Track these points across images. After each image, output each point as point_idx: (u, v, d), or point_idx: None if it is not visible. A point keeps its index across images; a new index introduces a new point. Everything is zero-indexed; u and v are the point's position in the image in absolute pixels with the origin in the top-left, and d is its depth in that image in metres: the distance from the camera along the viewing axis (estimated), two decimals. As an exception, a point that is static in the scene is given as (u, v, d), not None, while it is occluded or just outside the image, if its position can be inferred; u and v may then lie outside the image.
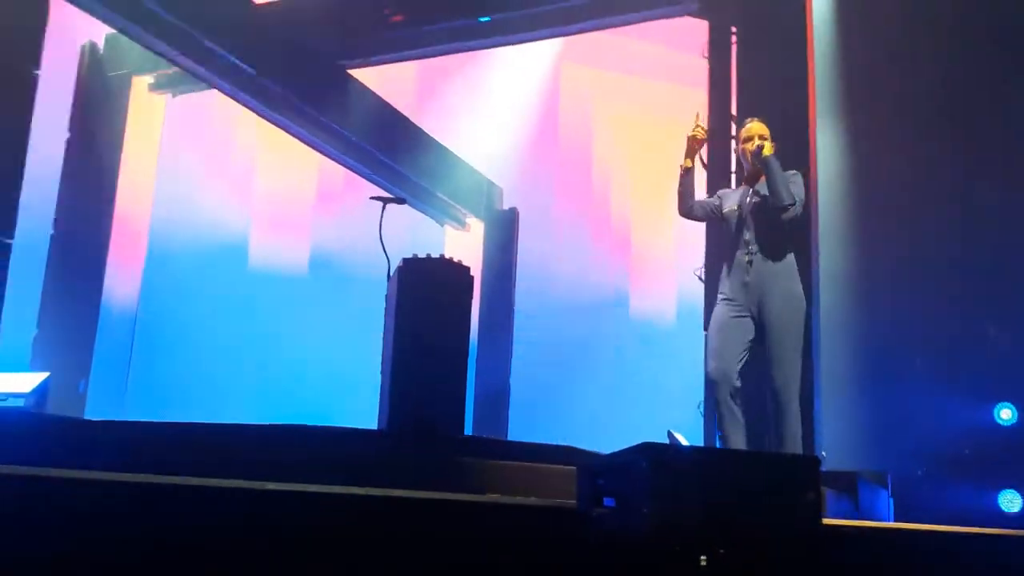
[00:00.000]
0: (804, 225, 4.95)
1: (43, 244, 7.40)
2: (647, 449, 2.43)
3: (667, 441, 5.37)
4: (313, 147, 8.82)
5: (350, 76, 8.50)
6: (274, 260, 10.41)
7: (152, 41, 6.91)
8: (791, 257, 4.45)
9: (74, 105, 7.73)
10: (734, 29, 6.74)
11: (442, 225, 10.23)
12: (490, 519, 2.89)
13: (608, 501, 2.70)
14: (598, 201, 11.68)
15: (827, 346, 6.11)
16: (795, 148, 6.11)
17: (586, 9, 7.33)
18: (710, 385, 4.47)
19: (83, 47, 7.90)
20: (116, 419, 6.64)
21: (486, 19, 7.62)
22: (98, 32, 7.84)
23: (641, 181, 11.53)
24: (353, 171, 9.19)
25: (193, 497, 2.64)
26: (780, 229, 4.43)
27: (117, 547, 2.44)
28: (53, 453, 3.73)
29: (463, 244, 9.71)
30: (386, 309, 5.93)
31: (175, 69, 7.77)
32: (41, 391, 5.88)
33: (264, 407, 9.24)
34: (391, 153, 8.98)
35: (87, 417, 6.99)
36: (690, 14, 7.03)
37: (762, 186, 4.47)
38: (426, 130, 9.45)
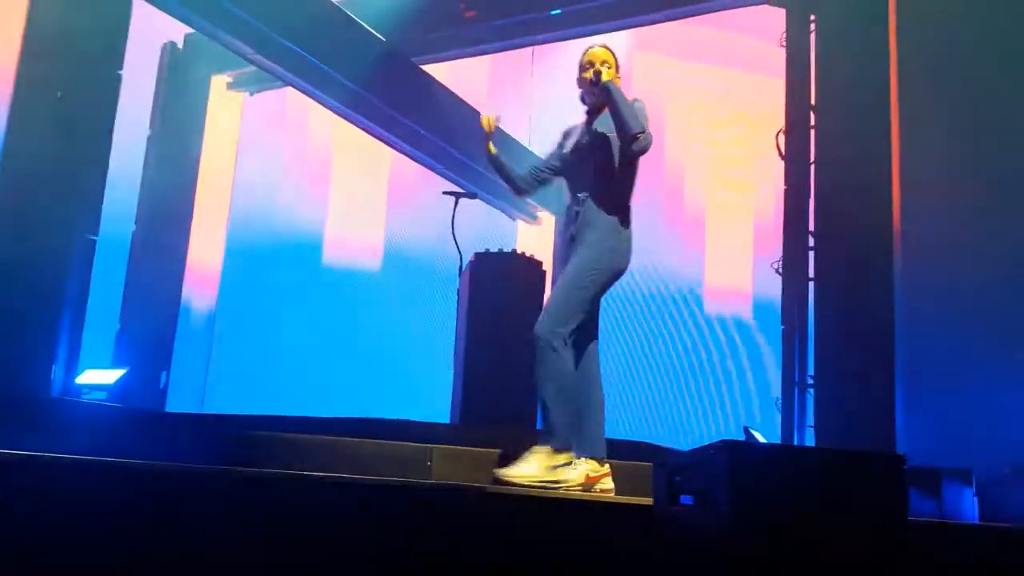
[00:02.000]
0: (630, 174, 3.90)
1: (125, 241, 7.60)
2: (726, 446, 2.36)
3: (744, 438, 5.27)
4: (386, 143, 8.88)
5: (423, 71, 8.53)
6: (348, 255, 10.54)
7: (230, 40, 7.04)
8: (622, 213, 3.78)
9: (155, 104, 7.91)
10: (813, 17, 6.56)
11: (514, 219, 10.22)
12: (564, 515, 2.86)
13: (685, 499, 2.63)
14: (671, 193, 11.52)
15: (907, 336, 5.89)
16: (876, 138, 5.94)
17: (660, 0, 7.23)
18: (540, 351, 3.71)
19: (164, 47, 8.09)
20: (195, 411, 6.80)
21: (557, 12, 7.57)
22: (178, 32, 8.02)
23: (716, 171, 11.35)
24: (425, 166, 9.24)
25: (271, 487, 2.66)
26: (611, 176, 3.77)
27: (197, 535, 2.48)
28: (135, 444, 3.83)
29: (535, 238, 9.68)
30: (458, 303, 5.95)
31: (252, 67, 7.90)
32: (123, 385, 6.06)
33: (338, 399, 9.36)
34: (462, 147, 8.99)
35: (168, 410, 7.18)
36: (768, 2, 6.87)
37: (600, 122, 3.82)
38: (500, 124, 9.41)
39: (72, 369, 5.70)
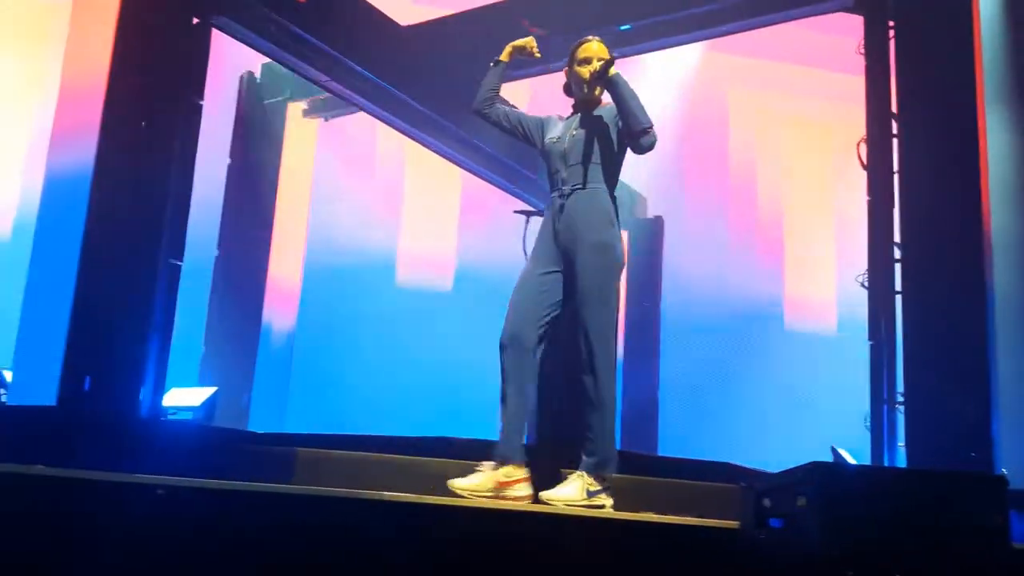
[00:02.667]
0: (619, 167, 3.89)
1: (208, 265, 7.80)
2: (816, 468, 2.29)
3: (831, 458, 5.13)
4: (457, 163, 8.95)
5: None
6: (420, 275, 10.63)
7: (305, 68, 7.20)
8: (610, 204, 3.74)
9: (234, 132, 8.12)
10: (891, 24, 6.40)
11: (586, 237, 10.18)
12: (645, 539, 2.81)
13: (774, 522, 2.57)
14: (745, 206, 11.33)
15: (1007, 351, 5.64)
16: (962, 146, 5.76)
17: (732, 10, 7.13)
18: (500, 350, 3.72)
19: (242, 77, 8.32)
20: (278, 431, 6.92)
21: (626, 27, 7.53)
22: (255, 62, 8.23)
23: (793, 179, 11.12)
24: (496, 185, 9.27)
25: (349, 508, 2.67)
26: (602, 171, 3.74)
27: (280, 557, 2.50)
28: (220, 463, 3.90)
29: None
30: (533, 322, 5.93)
31: (326, 94, 8.06)
32: (210, 405, 6.20)
33: (413, 419, 9.42)
34: (533, 166, 9.00)
35: (251, 429, 7.31)
36: (845, 10, 6.73)
37: (594, 116, 3.80)
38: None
39: (159, 390, 5.86)
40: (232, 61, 7.94)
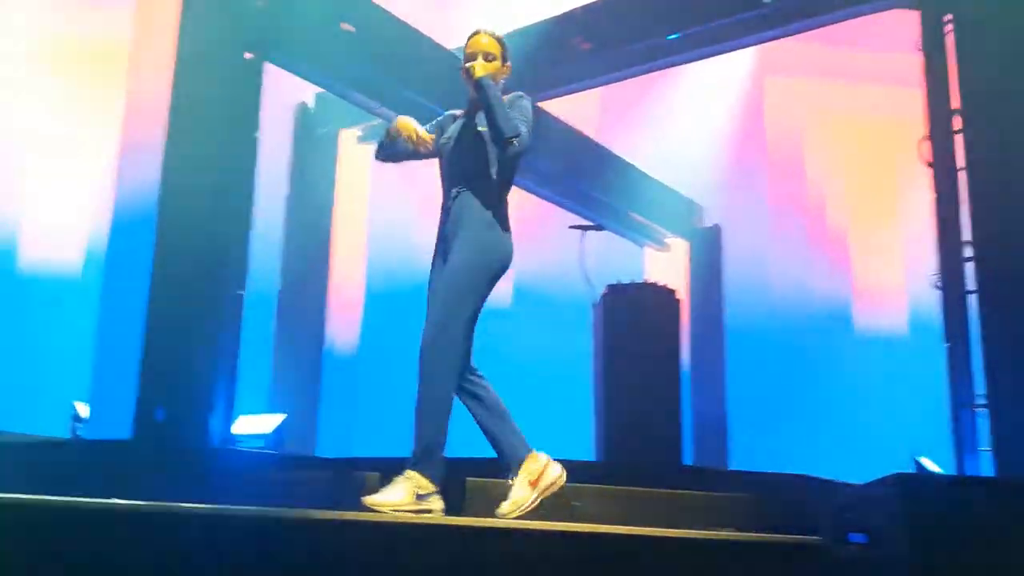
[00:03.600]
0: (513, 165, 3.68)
1: (272, 295, 7.91)
2: (902, 480, 2.21)
3: (914, 469, 4.99)
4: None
5: (538, 107, 8.58)
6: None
7: (357, 96, 7.29)
8: (496, 209, 3.57)
9: (291, 162, 8.25)
10: (948, 17, 6.25)
11: (641, 247, 10.12)
12: (720, 556, 2.75)
13: (856, 537, 2.49)
14: (811, 210, 11.17)
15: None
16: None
17: (785, 13, 7.03)
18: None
19: (296, 108, 8.45)
20: (346, 456, 6.97)
21: (675, 36, 7.47)
22: (308, 93, 8.35)
23: (859, 185, 10.95)
24: (549, 201, 9.27)
25: (417, 535, 2.66)
26: (488, 172, 3.56)
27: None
28: (292, 490, 3.93)
29: (665, 265, 9.55)
30: (593, 337, 5.90)
31: (379, 120, 8.14)
32: (279, 431, 6.28)
33: (473, 438, 9.40)
34: (585, 180, 8.99)
35: (318, 454, 7.38)
36: (900, 6, 6.59)
37: (479, 117, 3.59)
38: (620, 153, 9.40)
39: (228, 419, 5.95)
40: (287, 91, 8.07)
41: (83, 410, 5.41)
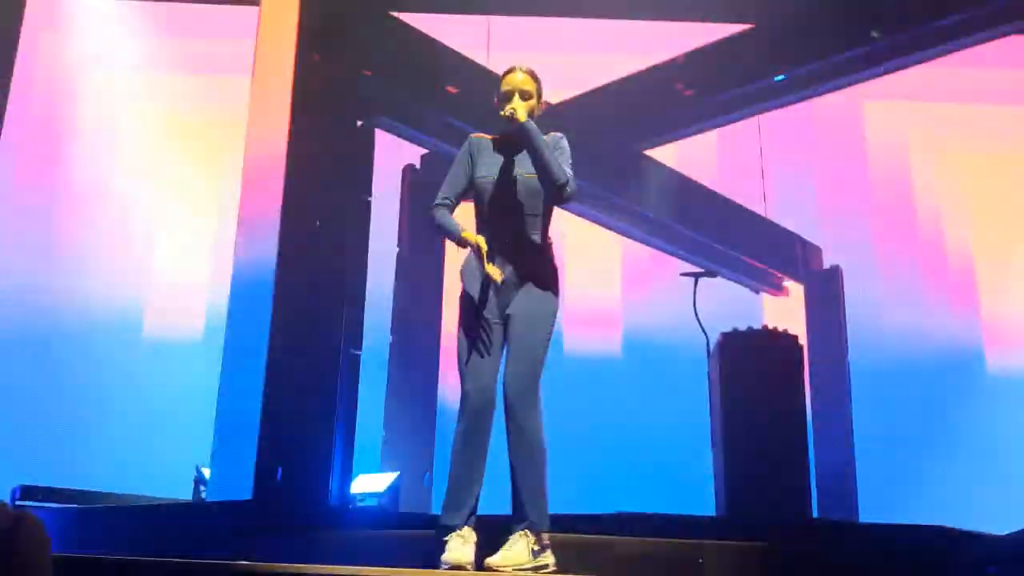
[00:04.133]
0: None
1: (383, 351, 8.03)
2: (1053, 534, 2.04)
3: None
4: (617, 231, 8.92)
5: (646, 155, 8.56)
6: (587, 346, 10.57)
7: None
8: (551, 254, 3.49)
9: (400, 221, 8.42)
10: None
11: (758, 292, 9.87)
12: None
13: (1005, 595, 2.31)
14: (930, 246, 10.72)
15: None
16: None
17: (892, 48, 6.81)
18: (472, 411, 3.35)
19: (404, 169, 8.66)
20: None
21: (782, 77, 7.34)
22: (415, 154, 8.56)
23: (981, 216, 10.45)
24: (659, 249, 9.17)
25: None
26: (540, 215, 3.45)
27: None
28: (409, 550, 3.92)
29: (783, 310, 9.28)
30: (710, 387, 5.74)
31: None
32: (393, 489, 6.32)
33: (590, 494, 9.27)
34: (695, 226, 8.87)
35: (435, 511, 7.38)
36: (1020, 32, 6.32)
37: (524, 157, 3.46)
38: (727, 195, 9.26)
39: (347, 477, 6.02)
40: (397, 154, 8.29)
41: (207, 473, 5.57)
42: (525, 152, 3.46)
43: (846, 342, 9.17)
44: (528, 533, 3.26)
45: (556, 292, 3.48)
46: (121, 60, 9.32)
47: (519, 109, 3.38)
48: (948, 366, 9.99)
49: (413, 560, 3.36)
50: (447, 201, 3.52)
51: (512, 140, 3.49)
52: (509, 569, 3.16)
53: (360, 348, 6.10)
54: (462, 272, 3.52)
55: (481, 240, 3.37)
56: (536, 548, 3.25)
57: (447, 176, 3.58)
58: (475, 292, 3.43)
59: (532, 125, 3.39)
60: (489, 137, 3.60)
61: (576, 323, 10.62)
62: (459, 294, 3.49)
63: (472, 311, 3.42)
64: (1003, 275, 10.33)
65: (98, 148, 10.06)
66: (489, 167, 3.49)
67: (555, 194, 3.42)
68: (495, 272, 3.33)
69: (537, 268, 3.44)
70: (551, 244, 3.52)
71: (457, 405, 3.44)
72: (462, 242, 3.42)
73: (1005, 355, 10.18)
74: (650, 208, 8.40)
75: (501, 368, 3.40)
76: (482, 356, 3.36)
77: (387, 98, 6.68)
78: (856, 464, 8.67)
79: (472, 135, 3.62)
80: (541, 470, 3.38)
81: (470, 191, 3.53)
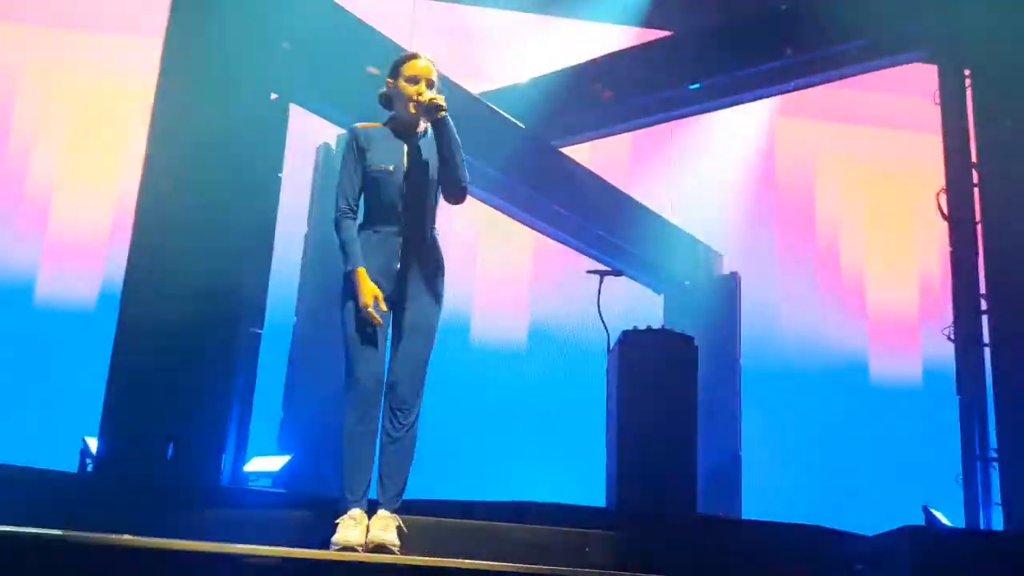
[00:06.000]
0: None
1: (286, 333, 7.93)
2: (913, 533, 2.19)
3: (923, 519, 4.91)
4: (529, 225, 9.00)
5: (562, 154, 8.66)
6: (494, 335, 10.65)
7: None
8: (438, 244, 3.52)
9: (311, 201, 8.31)
10: (967, 72, 6.29)
11: (660, 294, 10.10)
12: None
13: (867, 590, 2.45)
14: (826, 259, 11.17)
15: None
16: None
17: (805, 65, 7.09)
18: (360, 396, 3.35)
19: (318, 148, 8.54)
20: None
21: (696, 86, 7.54)
22: (331, 134, 8.45)
23: (875, 235, 10.95)
24: (568, 245, 9.29)
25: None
26: (433, 208, 3.49)
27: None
28: (301, 531, 3.91)
29: (682, 313, 9.52)
30: (608, 382, 5.86)
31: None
32: (288, 471, 6.26)
33: (486, 482, 9.35)
34: (605, 225, 9.01)
35: (328, 495, 7.33)
36: (919, 60, 6.65)
37: (426, 145, 3.47)
38: (638, 198, 9.45)
39: (240, 457, 5.93)
40: (311, 132, 8.18)
41: (93, 445, 5.41)
42: (420, 142, 3.45)
43: (739, 345, 9.47)
44: (397, 517, 3.34)
45: (443, 284, 3.52)
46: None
47: (442, 100, 3.37)
48: (834, 372, 10.43)
49: (304, 541, 3.35)
50: (350, 214, 3.45)
51: (410, 129, 3.46)
52: (396, 549, 3.20)
53: (261, 327, 6.01)
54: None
55: (378, 293, 3.36)
56: (400, 531, 3.32)
57: (340, 181, 3.49)
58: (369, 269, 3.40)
59: (451, 122, 3.40)
60: (378, 125, 3.53)
61: (484, 314, 10.69)
62: (345, 286, 3.46)
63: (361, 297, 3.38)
64: (889, 296, 10.85)
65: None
66: (383, 155, 3.43)
67: (455, 193, 3.46)
68: (375, 317, 3.34)
69: (428, 259, 3.47)
70: (438, 237, 3.54)
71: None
72: (354, 278, 3.38)
73: (885, 367, 10.69)
74: (560, 204, 8.50)
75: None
76: (373, 343, 3.37)
77: (304, 73, 6.56)
78: (742, 463, 8.98)
79: (356, 125, 3.52)
80: (407, 465, 3.45)
81: (360, 176, 3.45)
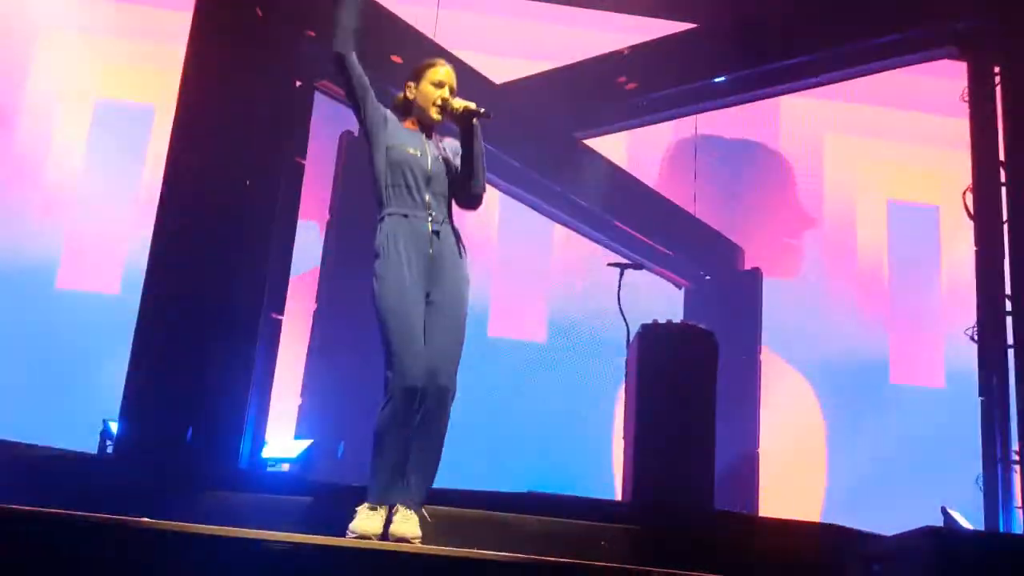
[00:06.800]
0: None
1: (306, 319, 7.95)
2: (931, 534, 2.17)
3: (942, 520, 4.87)
4: (550, 217, 8.98)
5: (584, 145, 8.63)
6: (513, 328, 10.65)
7: (401, 126, 7.37)
8: (463, 243, 3.50)
9: (333, 189, 8.33)
10: (997, 70, 6.21)
11: (680, 288, 10.06)
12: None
13: (885, 591, 2.43)
14: (847, 255, 11.09)
15: None
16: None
17: (833, 60, 7.01)
18: (405, 393, 3.22)
19: (341, 136, 8.56)
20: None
21: (721, 79, 7.49)
22: (354, 122, 8.46)
23: (899, 236, 10.87)
24: (589, 238, 9.27)
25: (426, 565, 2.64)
26: (450, 201, 3.48)
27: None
28: (316, 517, 3.93)
29: (703, 307, 9.48)
30: (626, 376, 5.85)
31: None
32: (306, 457, 6.28)
33: (503, 474, 9.37)
34: (627, 218, 8.99)
35: (345, 482, 7.36)
36: (949, 57, 6.56)
37: (448, 146, 3.51)
38: (661, 191, 9.43)
39: (259, 442, 5.97)
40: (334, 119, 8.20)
41: (114, 427, 5.46)
42: (435, 140, 3.47)
43: (760, 343, 9.42)
44: (422, 511, 3.30)
45: (469, 270, 3.49)
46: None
47: (474, 106, 3.38)
48: (855, 370, 10.36)
49: (319, 527, 3.36)
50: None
51: (425, 126, 3.48)
52: (417, 542, 3.19)
53: (282, 313, 6.03)
54: (384, 242, 3.38)
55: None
56: (423, 521, 3.28)
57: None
58: (404, 266, 3.32)
59: (479, 131, 3.41)
60: (407, 123, 3.54)
61: (504, 306, 10.69)
62: (378, 268, 3.39)
63: (401, 288, 3.30)
64: (913, 287, 10.75)
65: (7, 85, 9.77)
66: (406, 140, 3.44)
67: (470, 199, 3.48)
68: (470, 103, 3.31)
69: (457, 245, 3.45)
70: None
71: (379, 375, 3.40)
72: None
73: (907, 367, 10.60)
74: (582, 197, 8.48)
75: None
76: (415, 336, 3.27)
77: (326, 61, 6.56)
78: (759, 461, 8.94)
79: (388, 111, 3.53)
80: (438, 459, 3.38)
81: (361, 115, 3.44)
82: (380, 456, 3.26)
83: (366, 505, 3.25)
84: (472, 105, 3.40)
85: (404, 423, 3.25)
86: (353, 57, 3.42)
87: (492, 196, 9.59)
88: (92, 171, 9.86)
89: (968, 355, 5.89)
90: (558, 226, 9.44)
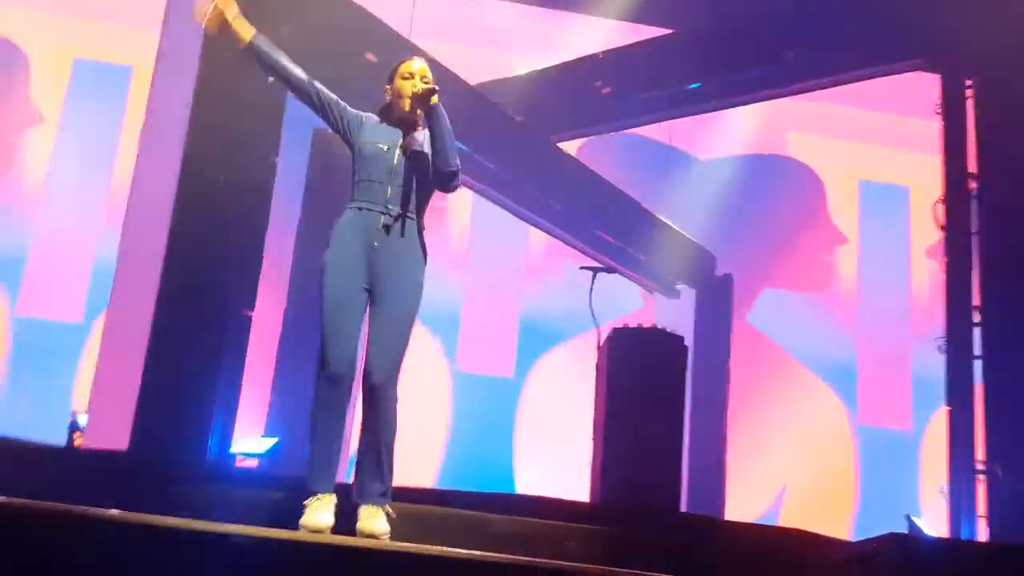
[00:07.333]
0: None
1: (277, 316, 7.91)
2: (894, 540, 2.19)
3: (907, 528, 4.93)
4: (523, 219, 8.99)
5: (559, 148, 8.64)
6: (484, 329, 10.66)
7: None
8: (423, 233, 3.48)
9: (306, 186, 8.28)
10: (969, 82, 6.29)
11: (652, 293, 10.11)
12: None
13: (848, 595, 2.46)
14: (820, 266, 11.20)
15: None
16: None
17: (805, 69, 7.07)
18: (332, 378, 3.30)
19: (314, 131, 8.50)
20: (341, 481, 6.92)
21: (696, 85, 7.53)
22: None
23: (867, 244, 11.00)
24: (562, 241, 9.28)
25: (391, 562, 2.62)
26: (424, 200, 3.48)
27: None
28: (283, 511, 3.90)
29: (674, 312, 9.53)
30: (596, 378, 5.87)
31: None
32: (272, 453, 6.26)
33: (475, 474, 9.37)
34: (600, 222, 9.01)
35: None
36: (920, 69, 6.64)
37: (423, 136, 3.52)
38: (635, 198, 9.46)
39: (227, 438, 5.92)
40: (306, 118, 8.14)
41: (83, 420, 5.40)
42: (415, 134, 3.49)
43: (729, 349, 9.49)
44: (387, 506, 3.31)
45: (422, 275, 3.46)
46: None
47: (432, 83, 3.44)
48: (824, 380, 10.47)
49: (281, 521, 3.34)
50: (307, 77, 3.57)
51: (404, 122, 3.50)
52: (386, 538, 3.19)
53: (252, 309, 5.99)
54: (333, 234, 3.43)
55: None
56: (389, 518, 3.29)
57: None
58: (346, 256, 3.37)
59: (442, 109, 3.44)
60: (377, 118, 3.58)
61: (476, 307, 10.68)
62: (323, 257, 3.41)
63: (337, 278, 3.35)
64: (880, 306, 10.87)
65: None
66: (378, 137, 3.48)
67: (445, 179, 3.46)
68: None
69: (410, 246, 3.42)
70: (424, 228, 3.51)
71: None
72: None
73: (875, 376, 10.71)
74: (555, 199, 8.49)
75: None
76: (345, 325, 3.31)
77: (303, 59, 6.52)
78: (727, 465, 9.01)
79: (362, 112, 3.59)
80: (391, 453, 3.39)
81: (330, 119, 3.52)
82: (311, 443, 3.34)
83: (313, 497, 3.25)
84: (428, 81, 3.46)
85: (329, 409, 3.32)
86: (274, 56, 3.65)
87: (463, 197, 9.59)
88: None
89: (935, 366, 5.96)
90: (532, 228, 9.46)
